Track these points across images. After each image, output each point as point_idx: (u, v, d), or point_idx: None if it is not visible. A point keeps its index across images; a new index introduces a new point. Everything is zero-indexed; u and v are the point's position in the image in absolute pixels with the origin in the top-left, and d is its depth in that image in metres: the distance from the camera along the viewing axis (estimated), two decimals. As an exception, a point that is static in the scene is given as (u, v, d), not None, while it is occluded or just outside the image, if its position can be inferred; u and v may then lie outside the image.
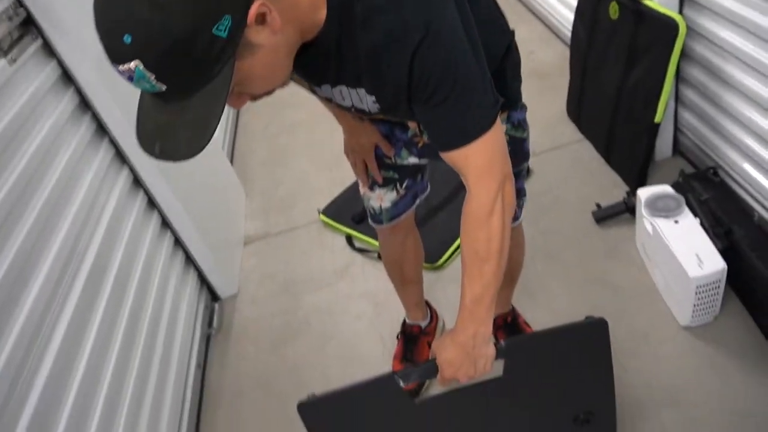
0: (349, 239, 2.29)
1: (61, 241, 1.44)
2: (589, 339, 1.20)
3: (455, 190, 2.30)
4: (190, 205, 2.02)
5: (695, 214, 1.69)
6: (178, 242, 2.08)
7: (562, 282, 1.89)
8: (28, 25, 1.53)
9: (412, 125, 1.29)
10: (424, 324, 1.79)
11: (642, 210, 1.74)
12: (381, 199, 1.45)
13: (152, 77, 0.73)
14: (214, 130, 0.80)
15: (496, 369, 1.14)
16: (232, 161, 2.99)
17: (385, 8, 0.85)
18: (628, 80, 2.03)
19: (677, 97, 2.09)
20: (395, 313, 1.96)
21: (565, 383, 1.22)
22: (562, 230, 2.07)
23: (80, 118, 1.68)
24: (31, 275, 1.32)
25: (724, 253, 1.58)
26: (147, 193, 1.92)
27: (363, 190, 1.48)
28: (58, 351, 1.31)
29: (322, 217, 2.41)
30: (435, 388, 1.65)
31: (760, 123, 1.70)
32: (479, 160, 0.96)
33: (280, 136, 3.08)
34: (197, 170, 2.24)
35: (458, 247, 2.09)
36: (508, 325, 1.73)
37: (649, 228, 1.73)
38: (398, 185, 1.42)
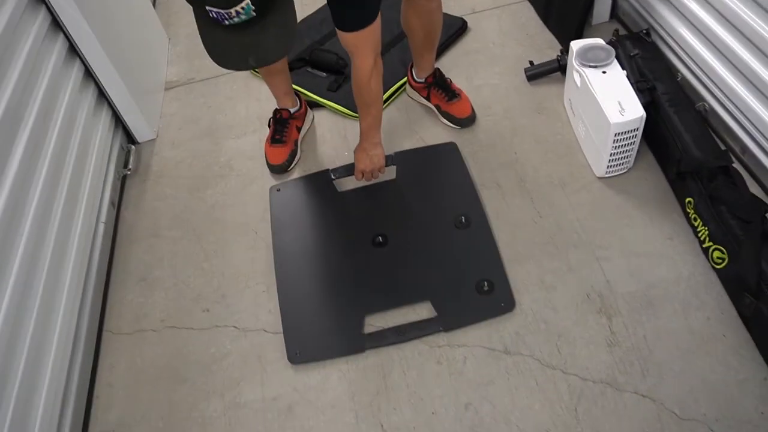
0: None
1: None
2: (450, 155, 1.80)
3: (388, 44, 2.21)
4: (103, 33, 1.85)
5: (623, 68, 1.69)
6: (89, 74, 1.92)
7: (488, 132, 1.89)
8: None
9: None
10: (293, 110, 1.94)
11: (572, 60, 1.73)
12: None
13: (252, 9, 0.96)
14: (295, 26, 1.07)
15: (392, 174, 1.79)
16: (154, 4, 2.75)
17: None
18: (574, -70, 1.94)
19: (622, -46, 2.03)
20: (319, 158, 1.93)
21: (442, 191, 1.73)
22: (494, 86, 2.04)
23: None
24: None
25: (646, 107, 1.60)
26: (51, 11, 1.73)
27: None
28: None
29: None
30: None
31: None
32: (364, 41, 1.41)
33: (207, -20, 2.84)
34: (114, 6, 2.04)
35: (389, 98, 2.05)
36: (436, 82, 1.93)
37: (577, 79, 1.72)
38: None
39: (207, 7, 1.00)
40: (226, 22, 1.02)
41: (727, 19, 1.62)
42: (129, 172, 1.99)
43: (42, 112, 1.62)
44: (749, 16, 1.52)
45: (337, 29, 1.41)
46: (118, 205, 1.92)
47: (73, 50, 1.85)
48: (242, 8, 0.99)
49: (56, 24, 1.78)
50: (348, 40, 1.42)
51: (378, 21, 1.40)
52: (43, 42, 1.71)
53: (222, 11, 1.00)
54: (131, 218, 1.88)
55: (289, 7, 1.09)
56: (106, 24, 1.92)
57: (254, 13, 1.00)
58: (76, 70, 1.86)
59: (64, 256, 1.57)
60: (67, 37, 1.82)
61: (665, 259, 1.51)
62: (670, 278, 1.47)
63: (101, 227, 1.78)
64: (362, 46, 1.43)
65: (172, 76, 2.37)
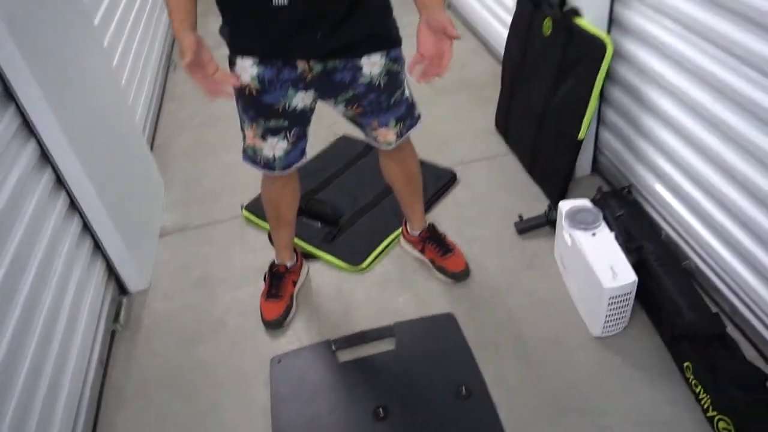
0: (272, 237, 2.22)
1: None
2: (448, 326, 1.79)
3: (381, 194, 2.29)
4: (102, 187, 1.89)
5: (611, 229, 1.76)
6: (86, 228, 1.94)
7: (482, 287, 1.92)
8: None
9: (300, 64, 1.42)
10: (290, 264, 1.95)
11: (562, 221, 1.80)
12: (273, 148, 1.58)
13: None
14: None
15: (391, 344, 1.77)
16: (152, 148, 2.84)
17: None
18: (555, 96, 2.10)
19: (599, 117, 2.18)
20: (315, 313, 1.92)
21: (441, 362, 1.71)
22: (485, 239, 2.10)
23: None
24: None
25: (634, 267, 1.66)
26: (55, 170, 1.78)
27: (252, 141, 1.58)
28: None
29: (245, 212, 2.33)
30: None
31: (674, 146, 1.81)
32: None
33: (205, 126, 2.97)
34: (112, 152, 2.11)
35: (384, 250, 2.09)
36: (430, 236, 1.98)
37: (567, 239, 1.78)
38: (288, 133, 1.55)
39: None
40: None
41: (697, 182, 1.73)
42: (120, 328, 1.95)
43: (40, 270, 1.63)
44: (720, 179, 1.62)
45: None
46: (105, 363, 1.86)
47: (73, 206, 1.88)
48: None
49: (59, 182, 1.82)
50: None
51: None
52: (47, 200, 1.74)
53: None
54: (119, 378, 1.82)
55: None
56: (107, 177, 1.97)
57: None
58: (74, 225, 1.88)
59: (49, 420, 1.49)
60: (68, 194, 1.85)
61: (670, 427, 1.49)
62: (678, 450, 1.44)
63: (87, 392, 1.71)
64: None
65: (166, 223, 2.40)
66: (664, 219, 1.95)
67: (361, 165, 2.51)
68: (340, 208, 2.26)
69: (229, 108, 1.62)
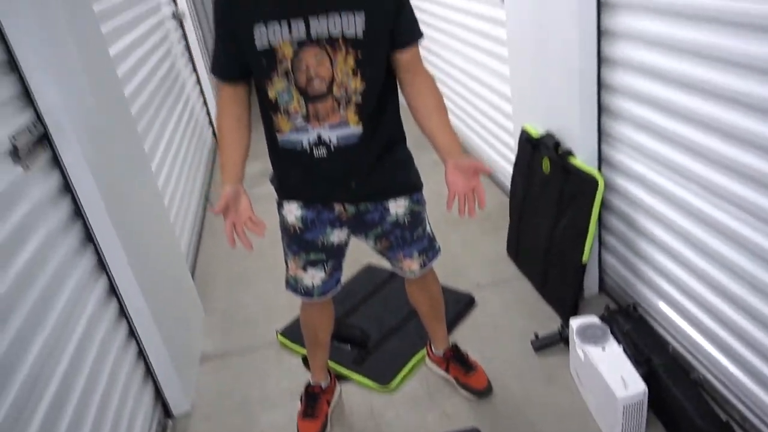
0: (305, 360, 2.39)
1: (35, 356, 1.47)
2: None
3: (406, 317, 2.48)
4: (158, 317, 2.11)
5: (619, 343, 1.92)
6: (140, 354, 2.13)
7: (505, 403, 2.05)
8: (43, 138, 1.72)
9: (337, 206, 1.66)
10: (324, 384, 2.10)
11: (574, 337, 1.97)
12: (313, 278, 1.78)
13: None
14: None
15: None
16: (193, 277, 3.09)
17: None
18: (558, 226, 2.36)
19: (600, 242, 2.42)
20: (348, 430, 2.05)
21: None
22: (504, 358, 2.25)
23: (71, 226, 1.83)
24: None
25: (645, 378, 1.80)
26: (120, 301, 2.02)
27: (294, 272, 1.79)
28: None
29: (280, 338, 2.52)
30: None
31: (670, 268, 2.02)
32: (418, 53, 1.59)
33: (240, 258, 3.23)
34: (166, 284, 2.36)
35: (411, 370, 2.24)
36: (453, 356, 2.15)
37: (580, 354, 1.94)
38: (325, 265, 1.77)
39: None
40: None
41: (696, 301, 1.91)
42: (166, 450, 2.08)
43: (103, 398, 1.78)
44: (717, 300, 1.81)
45: (397, 51, 1.54)
46: (152, 485, 1.97)
47: (131, 334, 2.09)
48: None
49: (122, 312, 2.05)
50: (410, 54, 1.56)
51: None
52: (111, 331, 1.95)
53: None
54: (165, 499, 1.92)
55: None
56: (161, 308, 2.19)
57: None
58: (131, 353, 2.07)
59: None
60: (129, 323, 2.07)
61: None
62: None
63: None
64: (419, 56, 1.60)
65: (207, 349, 2.59)
66: (670, 333, 2.11)
67: (386, 291, 2.73)
68: (369, 332, 2.45)
69: (261, 243, 1.85)
